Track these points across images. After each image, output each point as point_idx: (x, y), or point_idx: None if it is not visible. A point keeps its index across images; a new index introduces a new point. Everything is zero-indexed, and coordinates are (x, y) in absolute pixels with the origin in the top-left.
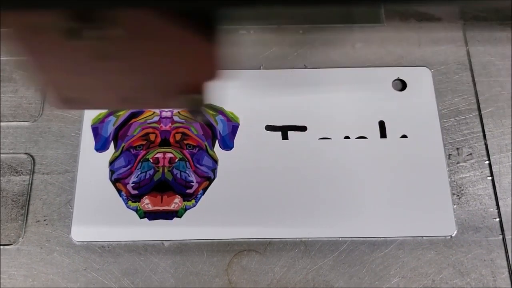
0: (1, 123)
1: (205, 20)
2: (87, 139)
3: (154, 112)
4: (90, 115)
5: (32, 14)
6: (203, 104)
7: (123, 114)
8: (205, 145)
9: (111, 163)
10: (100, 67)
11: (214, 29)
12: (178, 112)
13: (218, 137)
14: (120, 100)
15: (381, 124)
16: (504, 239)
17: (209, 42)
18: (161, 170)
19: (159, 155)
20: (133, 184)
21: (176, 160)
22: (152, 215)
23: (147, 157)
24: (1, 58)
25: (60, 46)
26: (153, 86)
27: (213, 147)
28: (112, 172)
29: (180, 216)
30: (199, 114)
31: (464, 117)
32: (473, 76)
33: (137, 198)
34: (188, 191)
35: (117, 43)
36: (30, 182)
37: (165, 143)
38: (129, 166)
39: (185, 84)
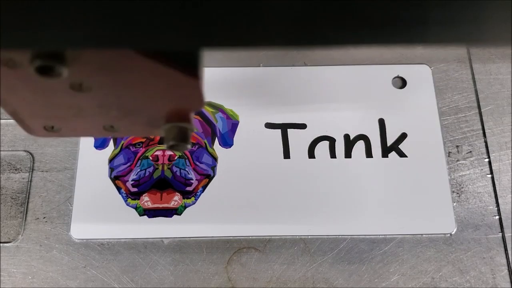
0: (1, 120)
1: (185, 58)
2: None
3: None
4: None
5: (3, 51)
6: (190, 131)
7: None
8: (205, 142)
9: (111, 160)
10: (78, 99)
11: (196, 65)
12: None
13: (218, 135)
14: (105, 128)
15: (381, 122)
16: (503, 237)
17: (193, 76)
18: (160, 167)
19: (159, 153)
20: (133, 182)
21: (176, 158)
22: (151, 213)
23: (147, 154)
24: None
25: (34, 80)
26: (137, 116)
27: (213, 145)
28: (111, 169)
29: (179, 214)
30: (183, 146)
31: (464, 114)
32: (473, 74)
33: (136, 196)
34: (188, 188)
35: (93, 77)
36: (30, 180)
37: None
38: (128, 164)
39: (170, 114)
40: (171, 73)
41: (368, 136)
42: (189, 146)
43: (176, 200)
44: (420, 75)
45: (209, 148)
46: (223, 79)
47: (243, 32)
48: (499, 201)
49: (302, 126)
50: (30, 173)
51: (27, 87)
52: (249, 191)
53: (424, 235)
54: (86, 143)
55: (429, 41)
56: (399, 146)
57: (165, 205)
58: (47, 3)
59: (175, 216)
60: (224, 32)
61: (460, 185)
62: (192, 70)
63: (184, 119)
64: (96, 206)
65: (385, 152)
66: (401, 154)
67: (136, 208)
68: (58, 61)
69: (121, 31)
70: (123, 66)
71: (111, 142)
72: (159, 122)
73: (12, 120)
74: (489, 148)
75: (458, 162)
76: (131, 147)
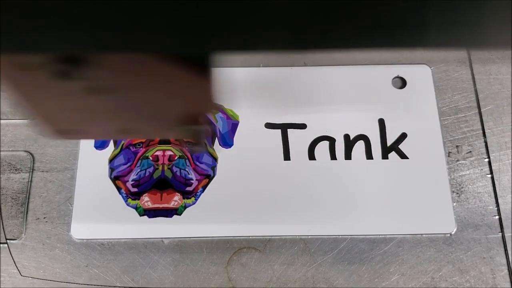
0: (1, 120)
1: (198, 60)
2: None
3: None
4: None
5: (20, 56)
6: (202, 134)
7: None
8: (205, 143)
9: (111, 160)
10: (93, 102)
11: (208, 67)
12: None
13: (218, 135)
14: (118, 131)
15: (381, 122)
16: (503, 237)
17: (204, 78)
18: (160, 167)
19: (159, 153)
20: (133, 182)
21: (176, 158)
22: (151, 213)
23: (147, 154)
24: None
25: (50, 84)
26: (151, 118)
27: (213, 145)
28: (111, 169)
29: (179, 214)
30: (200, 145)
31: (463, 114)
32: (473, 74)
33: (136, 196)
34: (188, 188)
35: (108, 81)
36: (30, 180)
37: (164, 140)
38: (128, 164)
39: (183, 116)
40: (183, 76)
41: (368, 136)
42: (202, 148)
43: (176, 200)
44: (420, 75)
45: (209, 148)
46: (223, 80)
47: (249, 37)
48: (499, 201)
49: (302, 126)
50: (31, 173)
51: (42, 90)
52: (249, 191)
53: (424, 235)
54: (86, 143)
55: (429, 44)
56: (399, 146)
57: (165, 205)
58: (64, 7)
59: (175, 216)
60: (232, 36)
61: (460, 185)
62: (203, 73)
63: (198, 121)
64: (96, 206)
65: (385, 152)
66: (401, 154)
67: (136, 208)
68: (74, 65)
69: (133, 35)
70: (138, 70)
71: (111, 143)
72: (173, 124)
73: (12, 120)
74: (489, 148)
75: (458, 162)
76: (131, 147)
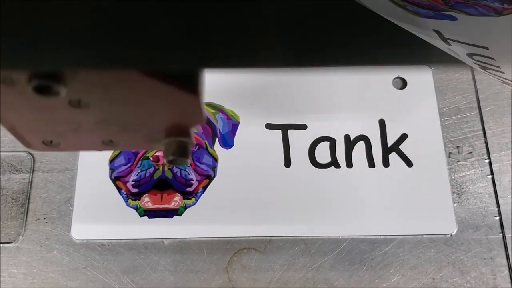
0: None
1: (185, 77)
2: None
3: None
4: None
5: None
6: (189, 146)
7: None
8: (205, 143)
9: (111, 161)
10: (77, 115)
11: (196, 83)
12: None
13: (218, 135)
14: (104, 143)
15: (382, 122)
16: (504, 238)
17: (193, 93)
18: (161, 168)
19: (159, 153)
20: (133, 182)
21: None
22: (152, 213)
23: (147, 155)
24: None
25: (32, 98)
26: (137, 131)
27: (213, 146)
28: (112, 170)
29: (180, 214)
30: (186, 157)
31: (464, 115)
32: (473, 75)
33: (137, 196)
34: (188, 189)
35: (92, 96)
36: (30, 180)
37: None
38: (129, 164)
39: (170, 129)
40: (171, 91)
41: (369, 137)
42: (188, 161)
43: (176, 200)
44: (421, 76)
45: (209, 149)
46: (224, 80)
47: (240, 55)
48: (499, 201)
49: (303, 126)
50: (31, 173)
51: (25, 103)
52: (250, 191)
53: (425, 236)
54: None
55: (433, 62)
56: (400, 147)
57: (166, 205)
58: (46, 25)
59: (175, 217)
60: (222, 54)
61: (460, 185)
62: (192, 88)
63: (184, 134)
64: (97, 207)
65: (386, 152)
66: (402, 155)
67: (136, 208)
68: (55, 81)
69: (120, 53)
70: (122, 84)
71: None
72: (159, 136)
73: None
74: (489, 149)
75: (458, 163)
76: None
